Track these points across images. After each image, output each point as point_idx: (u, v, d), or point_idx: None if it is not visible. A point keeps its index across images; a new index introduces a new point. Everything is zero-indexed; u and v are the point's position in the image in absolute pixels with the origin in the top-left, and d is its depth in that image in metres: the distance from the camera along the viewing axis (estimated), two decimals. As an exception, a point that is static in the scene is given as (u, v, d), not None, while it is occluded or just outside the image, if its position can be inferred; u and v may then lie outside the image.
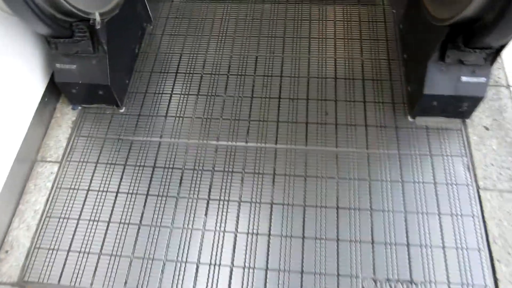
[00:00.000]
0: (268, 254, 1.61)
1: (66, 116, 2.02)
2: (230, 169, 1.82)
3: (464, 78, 1.73)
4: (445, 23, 1.58)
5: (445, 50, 1.69)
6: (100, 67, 1.85)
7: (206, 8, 2.41)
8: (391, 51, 2.14)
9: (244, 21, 2.32)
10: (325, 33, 2.22)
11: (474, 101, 1.79)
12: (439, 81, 1.74)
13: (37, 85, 1.94)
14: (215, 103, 2.01)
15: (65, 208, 1.76)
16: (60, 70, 1.86)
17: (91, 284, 1.59)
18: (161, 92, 2.07)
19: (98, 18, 1.71)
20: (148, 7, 2.27)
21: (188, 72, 2.13)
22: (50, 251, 1.67)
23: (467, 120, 1.89)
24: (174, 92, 2.07)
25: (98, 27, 1.71)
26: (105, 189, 1.79)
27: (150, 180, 1.81)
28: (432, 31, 1.71)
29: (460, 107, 1.82)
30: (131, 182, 1.81)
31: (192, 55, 2.19)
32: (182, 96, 2.04)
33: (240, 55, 2.17)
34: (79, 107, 2.04)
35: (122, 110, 2.01)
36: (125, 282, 1.59)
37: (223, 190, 1.77)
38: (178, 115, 1.98)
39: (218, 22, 2.33)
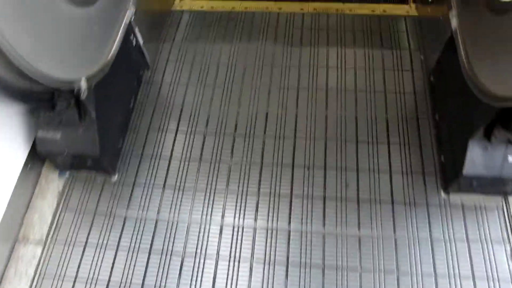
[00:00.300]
0: None
1: (52, 184, 1.79)
2: (237, 256, 1.59)
3: (511, 159, 1.48)
4: (499, 104, 1.31)
5: (492, 127, 1.43)
6: (88, 137, 1.61)
7: (211, 49, 2.15)
8: (420, 108, 1.88)
9: (253, 66, 2.07)
10: (345, 84, 1.97)
11: (521, 182, 1.54)
12: (482, 161, 1.49)
13: (19, 151, 1.70)
14: (220, 172, 1.77)
15: (49, 303, 1.54)
16: (43, 139, 1.62)
17: None
18: (159, 155, 1.83)
19: (84, 85, 1.46)
20: (144, 50, 2.01)
21: (189, 130, 1.89)
22: None
23: (510, 198, 1.64)
24: (173, 155, 1.83)
25: (84, 96, 1.47)
26: (94, 279, 1.57)
27: (146, 269, 1.58)
28: (477, 105, 1.45)
29: (504, 186, 1.57)
30: (124, 271, 1.58)
31: (194, 109, 1.95)
32: (182, 162, 1.80)
33: (248, 110, 1.92)
34: (67, 173, 1.81)
35: (114, 179, 1.78)
36: None
37: (229, 284, 1.54)
38: (178, 185, 1.75)
39: (224, 68, 2.07)
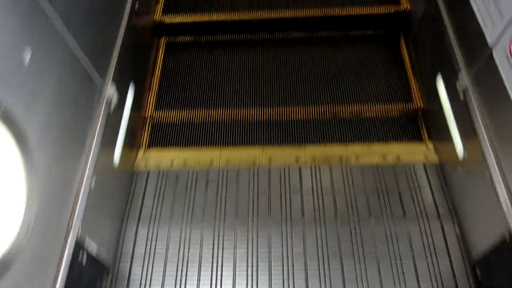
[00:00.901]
0: None
1: None
2: None
3: None
4: None
5: None
6: None
7: (188, 236, 1.67)
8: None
9: (245, 264, 1.59)
10: (366, 275, 1.52)
11: None
12: None
13: None
14: None
15: None
16: None
17: None
18: None
19: None
20: (101, 257, 1.51)
21: None
22: None
23: None
24: None
25: None
26: None
27: None
28: None
29: None
30: None
31: None
32: None
33: None
34: None
35: None
36: None
37: None
38: None
39: (208, 270, 1.60)
